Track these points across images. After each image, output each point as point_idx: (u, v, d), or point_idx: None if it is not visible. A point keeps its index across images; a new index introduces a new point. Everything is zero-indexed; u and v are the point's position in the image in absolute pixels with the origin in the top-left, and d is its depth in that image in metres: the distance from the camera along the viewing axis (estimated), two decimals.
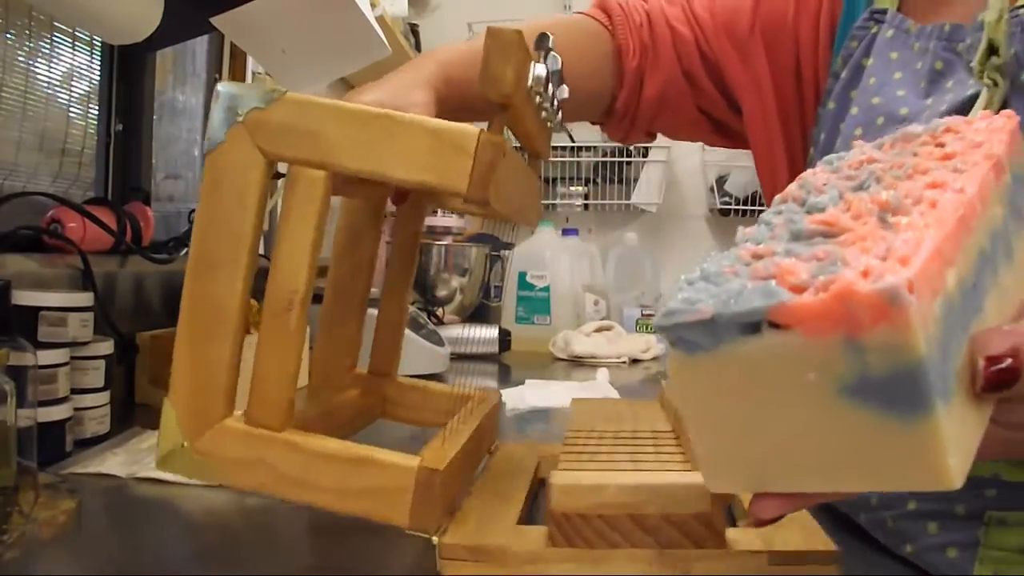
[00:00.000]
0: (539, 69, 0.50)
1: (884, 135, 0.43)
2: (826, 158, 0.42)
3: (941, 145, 0.39)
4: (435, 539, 0.44)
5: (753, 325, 0.30)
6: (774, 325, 0.29)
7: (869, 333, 0.28)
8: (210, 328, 0.44)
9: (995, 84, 0.49)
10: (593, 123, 0.78)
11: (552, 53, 0.52)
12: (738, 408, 0.32)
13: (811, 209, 0.36)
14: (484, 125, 0.46)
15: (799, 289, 0.29)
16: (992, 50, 0.49)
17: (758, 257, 0.33)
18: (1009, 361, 0.30)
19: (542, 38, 0.52)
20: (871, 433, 0.29)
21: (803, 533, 0.44)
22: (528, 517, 0.52)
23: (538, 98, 0.52)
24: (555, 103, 0.55)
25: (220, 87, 0.44)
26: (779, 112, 0.69)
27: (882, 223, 0.32)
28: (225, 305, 0.44)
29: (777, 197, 0.39)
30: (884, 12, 0.62)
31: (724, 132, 0.76)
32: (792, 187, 0.40)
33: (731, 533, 0.44)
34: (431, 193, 0.62)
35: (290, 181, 0.44)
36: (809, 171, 0.41)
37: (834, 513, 0.59)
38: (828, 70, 0.66)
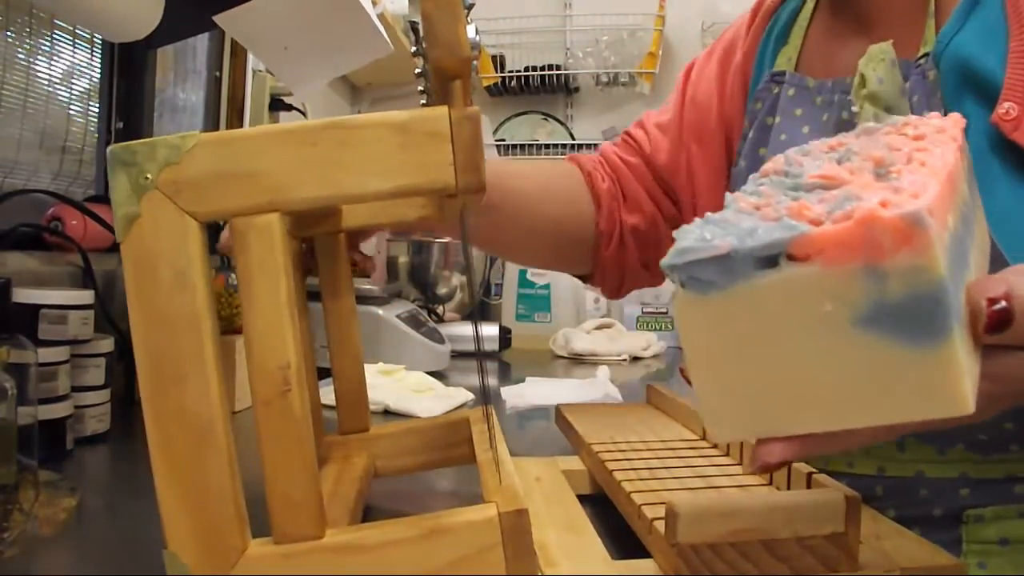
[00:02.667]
0: (471, 32, 0.46)
1: None
2: (792, 149, 0.43)
3: (905, 134, 0.40)
4: None
5: (770, 259, 0.30)
6: (792, 258, 0.30)
7: (891, 258, 0.28)
8: (194, 450, 0.35)
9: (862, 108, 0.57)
10: (584, 281, 0.86)
11: (468, 14, 0.50)
12: (747, 348, 0.32)
13: (801, 174, 0.36)
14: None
15: (816, 223, 0.30)
16: (863, 83, 0.57)
17: (759, 208, 0.34)
18: (1003, 303, 0.32)
19: None
20: (884, 364, 0.30)
21: (923, 548, 0.42)
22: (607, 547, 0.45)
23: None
24: (477, 73, 0.52)
25: (112, 149, 0.36)
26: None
27: (877, 177, 0.33)
28: (204, 419, 0.35)
29: (753, 175, 0.40)
30: (783, 74, 0.69)
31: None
32: (770, 165, 0.40)
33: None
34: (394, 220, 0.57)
35: (238, 237, 0.36)
36: (788, 151, 0.42)
37: None
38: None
